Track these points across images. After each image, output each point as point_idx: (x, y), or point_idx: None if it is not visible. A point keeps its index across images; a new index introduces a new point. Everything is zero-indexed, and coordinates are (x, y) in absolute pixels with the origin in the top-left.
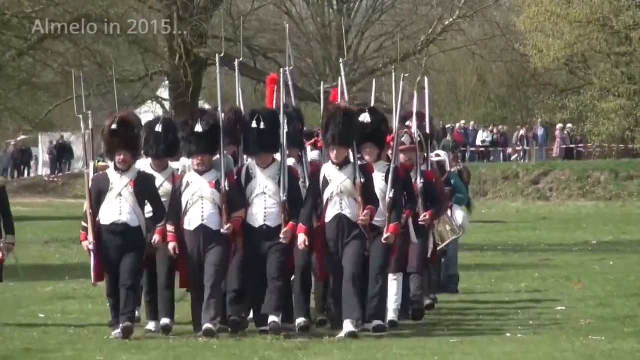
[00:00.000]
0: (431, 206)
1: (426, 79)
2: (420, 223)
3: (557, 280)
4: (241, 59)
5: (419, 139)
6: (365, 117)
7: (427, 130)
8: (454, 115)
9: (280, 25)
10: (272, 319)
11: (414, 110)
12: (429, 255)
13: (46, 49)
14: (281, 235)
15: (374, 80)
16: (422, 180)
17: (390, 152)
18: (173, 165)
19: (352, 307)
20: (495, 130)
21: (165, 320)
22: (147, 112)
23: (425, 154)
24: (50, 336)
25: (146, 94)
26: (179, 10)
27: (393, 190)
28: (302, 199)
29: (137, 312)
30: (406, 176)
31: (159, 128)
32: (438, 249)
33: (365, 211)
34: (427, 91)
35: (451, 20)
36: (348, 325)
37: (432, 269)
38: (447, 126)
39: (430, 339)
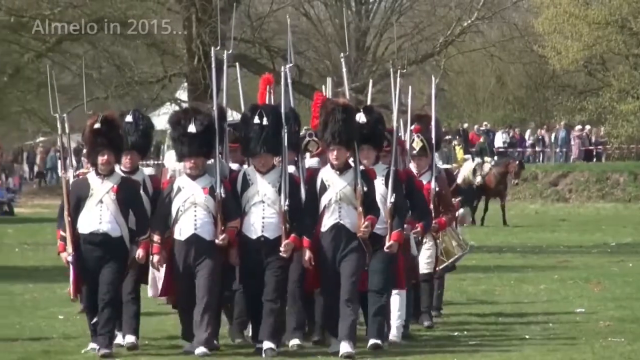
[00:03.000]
0: (420, 217)
1: (433, 80)
2: (413, 235)
3: (576, 282)
4: (231, 51)
5: (421, 144)
6: (360, 117)
7: (433, 135)
8: (472, 117)
9: (299, 27)
10: (267, 345)
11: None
12: (425, 271)
13: (64, 51)
14: (281, 249)
15: (370, 79)
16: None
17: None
18: (145, 170)
19: (348, 329)
20: (539, 133)
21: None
22: (166, 114)
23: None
24: (69, 338)
25: (165, 96)
26: (197, 12)
27: (394, 194)
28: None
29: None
30: (408, 181)
31: (129, 118)
32: (442, 266)
33: (366, 222)
34: (433, 92)
35: (469, 21)
36: (345, 346)
37: (436, 284)
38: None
39: (450, 342)
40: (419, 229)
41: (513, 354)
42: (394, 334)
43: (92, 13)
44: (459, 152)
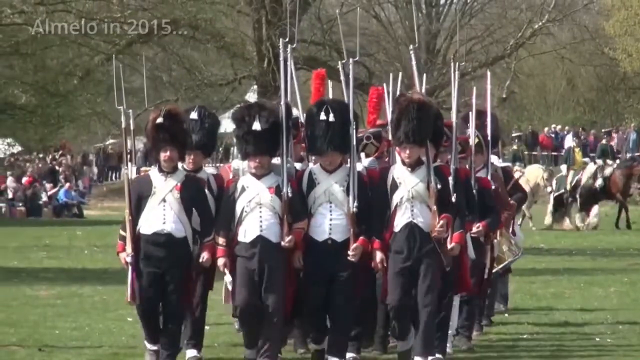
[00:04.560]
0: (486, 216)
1: (488, 74)
2: (472, 235)
3: None
4: (294, 45)
5: (477, 140)
6: None
7: (489, 131)
8: (542, 120)
9: (369, 30)
10: None
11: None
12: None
13: (134, 54)
14: (350, 252)
15: (424, 75)
16: (476, 187)
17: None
18: (208, 169)
19: (431, 340)
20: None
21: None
22: None
23: (485, 158)
24: (138, 340)
25: (234, 98)
26: (267, 15)
27: (455, 194)
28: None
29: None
30: (466, 181)
31: (194, 115)
32: (493, 271)
33: (441, 221)
34: (488, 87)
35: (540, 24)
36: None
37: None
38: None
39: (520, 345)
40: (480, 228)
41: (582, 357)
42: (448, 345)
43: (162, 16)
44: (578, 154)
